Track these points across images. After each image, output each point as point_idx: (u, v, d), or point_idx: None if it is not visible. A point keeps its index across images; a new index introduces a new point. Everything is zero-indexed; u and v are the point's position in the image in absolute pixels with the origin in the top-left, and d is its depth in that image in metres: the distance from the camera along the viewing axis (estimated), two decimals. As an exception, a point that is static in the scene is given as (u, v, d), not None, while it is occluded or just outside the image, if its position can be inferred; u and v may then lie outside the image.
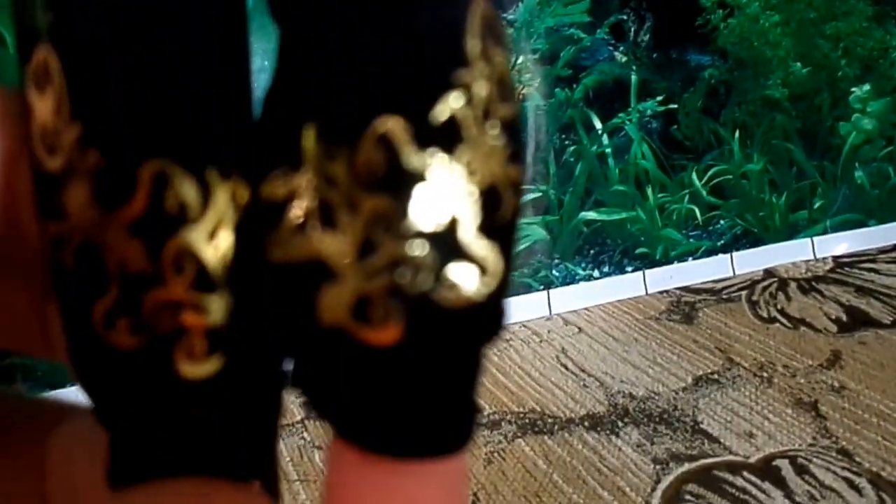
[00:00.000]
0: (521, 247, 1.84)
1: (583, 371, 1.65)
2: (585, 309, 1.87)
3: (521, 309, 1.82)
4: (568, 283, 1.86)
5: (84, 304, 0.52)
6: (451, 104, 0.54)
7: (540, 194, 1.82)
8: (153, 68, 0.50)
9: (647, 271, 1.92)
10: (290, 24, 0.53)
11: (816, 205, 2.06)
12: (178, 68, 0.50)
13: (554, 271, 1.85)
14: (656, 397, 1.54)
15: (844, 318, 1.79)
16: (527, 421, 1.49)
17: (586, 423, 1.48)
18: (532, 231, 1.83)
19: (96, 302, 0.52)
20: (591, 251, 1.88)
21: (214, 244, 0.53)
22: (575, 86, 1.81)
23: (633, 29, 1.86)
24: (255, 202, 0.55)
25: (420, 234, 0.55)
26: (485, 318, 0.55)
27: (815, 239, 2.06)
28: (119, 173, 0.49)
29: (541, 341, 1.77)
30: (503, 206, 0.58)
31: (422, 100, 0.54)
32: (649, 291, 1.92)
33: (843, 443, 1.38)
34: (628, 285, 1.90)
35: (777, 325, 1.78)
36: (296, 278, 0.56)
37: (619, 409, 1.51)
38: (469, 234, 0.58)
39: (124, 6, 0.50)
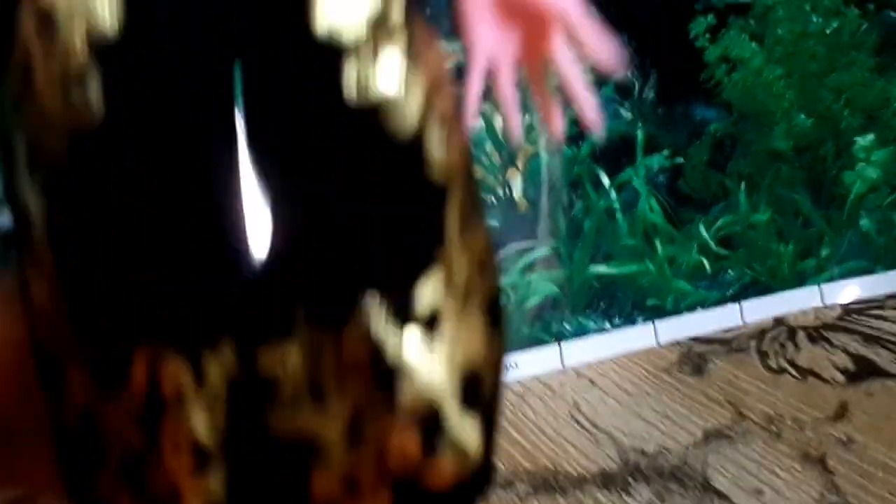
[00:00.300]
0: (533, 302, 1.88)
1: (595, 427, 1.68)
2: (598, 361, 1.91)
3: (534, 363, 1.86)
4: (580, 336, 1.90)
5: (87, 474, 0.58)
6: (430, 287, 0.61)
7: (550, 250, 1.87)
8: (144, 257, 0.56)
9: (658, 322, 1.95)
10: (280, 199, 0.59)
11: (823, 253, 2.09)
12: (167, 257, 0.57)
13: (566, 325, 1.89)
14: (667, 453, 1.57)
15: (852, 367, 1.82)
16: (540, 480, 1.53)
17: (598, 482, 1.51)
18: (543, 286, 1.88)
19: (99, 473, 0.58)
20: (602, 304, 1.92)
21: (209, 421, 0.59)
22: (582, 143, 1.85)
23: (637, 85, 1.91)
24: (249, 375, 0.61)
25: (404, 418, 0.62)
26: (468, 493, 0.61)
27: (824, 286, 2.09)
28: (114, 359, 0.56)
29: (554, 395, 1.81)
30: (484, 385, 0.65)
31: (402, 281, 0.61)
32: (660, 342, 1.96)
33: (850, 498, 1.41)
34: (639, 337, 1.94)
35: (786, 375, 1.81)
36: (289, 455, 0.62)
37: (630, 465, 1.55)
38: (452, 417, 0.65)
39: (113, 206, 0.56)
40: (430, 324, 0.59)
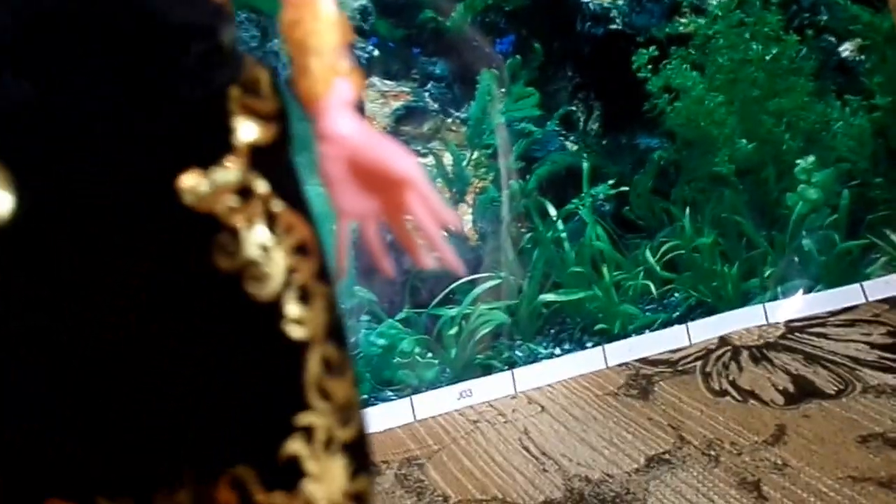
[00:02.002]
0: (485, 331, 1.95)
1: (543, 454, 1.75)
2: (549, 385, 1.97)
3: (487, 389, 1.92)
4: (531, 363, 1.97)
5: None
6: (292, 447, 0.68)
7: (500, 280, 1.93)
8: (34, 415, 0.61)
9: (607, 346, 2.02)
10: (159, 361, 0.65)
11: (767, 273, 2.16)
12: (62, 411, 0.62)
13: (517, 352, 1.96)
14: (610, 480, 1.64)
15: (791, 388, 1.89)
16: (487, 511, 1.60)
17: (543, 511, 1.58)
18: (494, 315, 1.94)
19: None
20: (552, 330, 1.99)
21: None
22: (528, 176, 1.91)
23: (582, 118, 1.96)
24: None
25: None
26: None
27: (767, 305, 2.16)
28: None
29: (505, 422, 1.87)
30: None
31: (266, 448, 0.68)
32: (609, 365, 2.02)
33: (782, 524, 1.49)
34: (589, 360, 2.01)
35: (727, 398, 1.88)
36: None
37: (575, 493, 1.61)
38: None
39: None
40: (291, 476, 0.66)
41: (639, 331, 2.06)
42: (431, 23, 1.80)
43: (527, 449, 1.78)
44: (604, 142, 1.97)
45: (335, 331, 0.71)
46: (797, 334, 2.12)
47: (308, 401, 0.68)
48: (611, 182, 1.99)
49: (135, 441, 0.66)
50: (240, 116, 0.67)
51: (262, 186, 0.67)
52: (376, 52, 1.78)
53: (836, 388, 1.86)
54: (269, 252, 0.67)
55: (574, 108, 1.94)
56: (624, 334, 2.04)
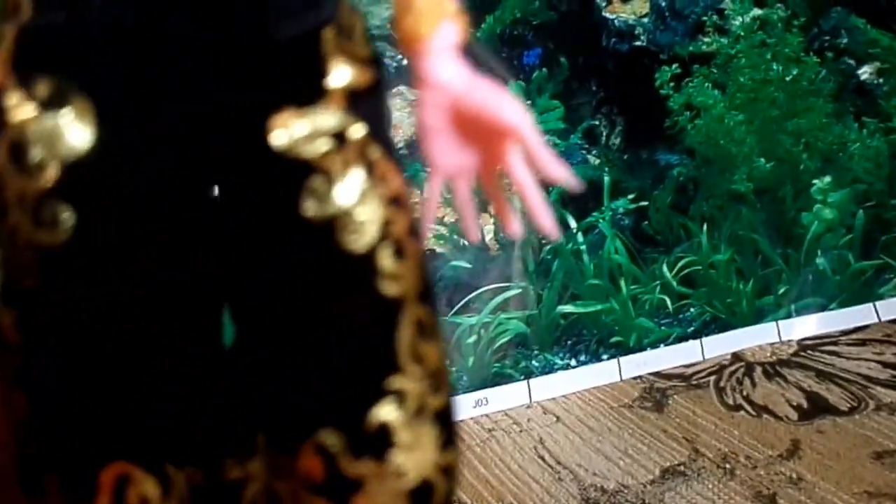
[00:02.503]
0: (503, 340, 1.97)
1: (559, 463, 1.77)
2: (564, 396, 1.99)
3: (503, 398, 1.94)
4: (547, 373, 1.99)
5: None
6: (383, 412, 0.65)
7: (520, 291, 1.95)
8: (114, 378, 0.60)
9: (622, 359, 2.04)
10: (243, 317, 0.64)
11: (781, 290, 2.18)
12: (137, 374, 0.61)
13: (534, 361, 1.98)
14: (625, 491, 1.65)
15: (805, 404, 1.91)
16: (504, 518, 1.61)
17: (559, 520, 1.60)
18: (512, 325, 1.96)
19: None
20: (569, 342, 2.01)
21: None
22: (550, 189, 1.93)
23: (604, 133, 1.99)
24: (214, 480, 0.66)
25: None
26: None
27: (781, 322, 2.18)
28: (83, 476, 0.61)
29: (520, 431, 1.89)
30: (435, 495, 0.69)
31: (356, 412, 0.64)
32: (624, 377, 2.04)
33: (797, 538, 1.50)
34: (604, 372, 2.03)
35: (742, 412, 1.90)
36: None
37: (590, 503, 1.63)
38: None
39: (81, 326, 0.59)
40: (380, 444, 0.63)
41: (654, 345, 2.08)
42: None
43: (542, 458, 1.79)
44: (625, 156, 2.00)
45: (427, 291, 0.67)
46: (809, 352, 2.14)
47: (401, 363, 0.64)
48: (631, 196, 2.02)
49: (205, 403, 0.63)
50: (335, 59, 0.64)
51: (358, 131, 0.64)
52: (405, 61, 1.81)
53: (849, 405, 1.89)
54: (365, 200, 0.63)
55: (597, 123, 1.97)
56: (639, 348, 2.06)
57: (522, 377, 1.96)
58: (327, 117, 0.63)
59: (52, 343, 0.60)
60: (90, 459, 0.61)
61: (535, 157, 0.66)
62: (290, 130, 0.61)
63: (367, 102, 0.65)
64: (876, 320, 2.23)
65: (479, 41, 1.85)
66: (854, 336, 2.19)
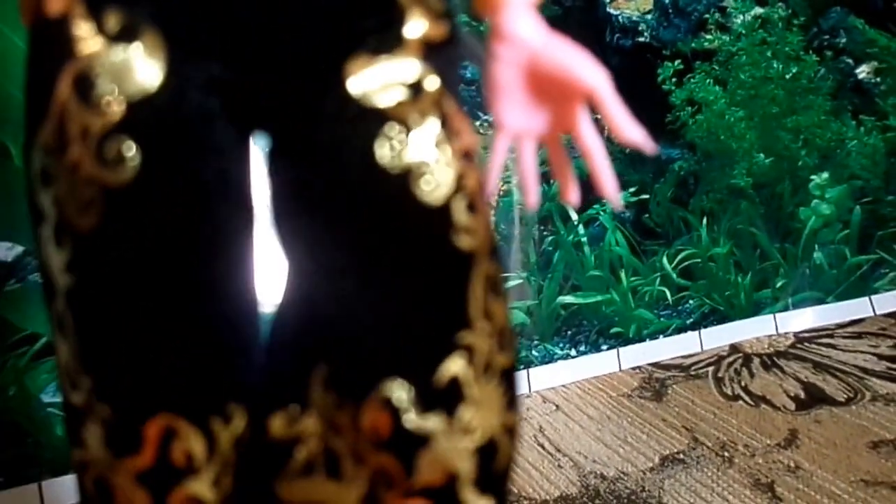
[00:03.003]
0: (504, 329, 1.99)
1: (558, 451, 1.79)
2: (563, 386, 2.01)
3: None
4: (547, 363, 2.01)
5: None
6: (453, 367, 0.62)
7: (521, 281, 1.97)
8: (162, 323, 0.58)
9: (621, 349, 2.06)
10: (305, 259, 0.62)
11: (779, 284, 2.21)
12: (183, 327, 0.59)
13: (534, 351, 2.00)
14: (625, 478, 1.68)
15: (802, 395, 1.94)
16: None
17: (560, 505, 1.62)
18: (513, 314, 1.98)
19: None
20: (569, 332, 2.03)
21: (218, 489, 0.62)
22: (552, 180, 1.95)
23: (607, 126, 2.01)
24: (262, 438, 0.63)
25: (421, 492, 0.63)
26: None
27: (778, 315, 2.21)
28: (127, 427, 0.59)
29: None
30: (500, 455, 0.67)
31: (426, 365, 0.62)
32: (623, 368, 2.07)
33: (794, 524, 1.53)
34: (603, 363, 2.05)
35: (740, 402, 1.92)
36: None
37: (590, 490, 1.65)
38: (467, 491, 0.66)
39: (135, 270, 0.57)
40: (451, 399, 0.61)
41: (653, 335, 2.10)
42: (465, 26, 1.85)
43: (542, 446, 1.81)
44: (627, 150, 2.02)
45: (496, 248, 0.65)
46: (806, 344, 2.16)
47: (472, 319, 0.62)
48: (632, 189, 2.04)
49: (254, 353, 0.60)
50: (412, 10, 0.63)
51: (433, 83, 0.62)
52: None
53: (845, 396, 1.91)
54: (441, 152, 0.61)
55: (599, 116, 1.98)
56: (639, 338, 2.09)
57: (522, 367, 1.98)
58: (404, 66, 0.61)
59: (104, 288, 0.57)
60: (136, 410, 0.58)
61: (612, 120, 0.65)
62: (366, 77, 0.60)
63: (441, 56, 0.64)
64: (871, 314, 2.27)
65: (482, 34, 1.88)
66: (850, 329, 2.22)
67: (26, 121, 0.61)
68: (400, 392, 0.60)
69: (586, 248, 2.01)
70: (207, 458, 0.60)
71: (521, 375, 1.99)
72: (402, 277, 0.62)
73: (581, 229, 2.00)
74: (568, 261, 2.00)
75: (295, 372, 0.61)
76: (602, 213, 2.01)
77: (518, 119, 0.67)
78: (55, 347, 0.61)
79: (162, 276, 0.58)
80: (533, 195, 0.69)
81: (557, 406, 1.95)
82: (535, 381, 1.99)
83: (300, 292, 0.62)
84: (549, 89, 0.66)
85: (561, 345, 2.03)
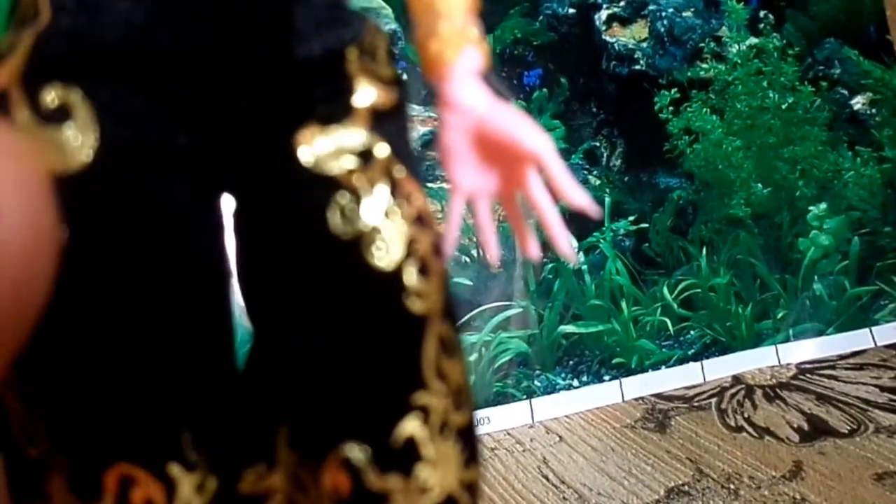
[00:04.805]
0: (504, 359, 1.96)
1: (562, 482, 1.75)
2: (566, 416, 1.98)
3: (505, 418, 1.93)
4: (549, 393, 1.98)
5: None
6: (408, 427, 0.64)
7: (521, 310, 1.95)
8: (120, 372, 0.57)
9: (624, 380, 2.04)
10: (264, 330, 0.63)
11: (779, 315, 2.20)
12: (144, 370, 0.58)
13: (536, 381, 1.97)
14: (631, 510, 1.64)
15: (806, 426, 1.91)
16: (510, 536, 1.59)
17: (566, 538, 1.58)
18: (514, 344, 1.95)
19: None
20: (571, 362, 2.01)
21: None
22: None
23: (605, 154, 2.01)
24: (232, 493, 0.63)
25: None
26: None
27: (779, 346, 2.20)
28: (86, 477, 0.58)
29: (524, 450, 1.87)
30: None
31: (381, 426, 0.64)
32: (626, 398, 2.04)
33: (804, 557, 1.49)
34: (606, 393, 2.02)
35: (744, 434, 1.90)
36: None
37: (596, 522, 1.61)
38: None
39: (84, 321, 0.57)
40: (408, 458, 0.63)
41: (655, 366, 2.08)
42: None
43: (546, 478, 1.77)
44: (625, 178, 2.02)
45: (450, 310, 0.67)
46: (808, 375, 2.14)
47: (425, 380, 0.64)
48: (631, 218, 2.04)
49: (220, 410, 0.61)
50: (360, 79, 0.65)
51: (383, 150, 0.65)
52: (405, 77, 1.83)
53: (849, 428, 1.89)
54: (391, 218, 0.63)
55: (597, 144, 1.99)
56: (641, 369, 2.06)
57: (525, 397, 1.95)
58: (353, 135, 0.63)
59: (47, 346, 0.57)
60: (92, 460, 0.58)
61: (555, 183, 0.66)
62: (316, 146, 0.62)
63: (390, 122, 0.66)
64: (872, 345, 2.25)
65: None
66: (851, 360, 2.20)
67: None
68: (358, 453, 0.62)
69: (587, 277, 2.00)
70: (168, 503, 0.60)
71: (524, 406, 1.96)
72: (356, 341, 0.63)
73: (581, 257, 1.99)
74: (569, 289, 1.98)
75: (262, 430, 0.63)
76: (602, 241, 2.00)
77: (470, 180, 0.70)
78: (3, 405, 0.60)
79: (113, 333, 0.57)
80: (494, 250, 0.71)
81: (560, 437, 1.91)
82: (538, 411, 1.96)
83: (264, 351, 0.64)
84: (496, 152, 0.69)
85: (563, 375, 2.00)
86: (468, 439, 0.67)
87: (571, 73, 1.95)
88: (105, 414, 0.58)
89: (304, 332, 0.63)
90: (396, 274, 0.63)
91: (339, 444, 0.61)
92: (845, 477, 1.71)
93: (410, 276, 0.63)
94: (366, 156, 0.64)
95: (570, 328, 2.00)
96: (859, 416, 1.94)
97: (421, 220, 0.66)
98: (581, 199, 0.66)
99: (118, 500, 0.57)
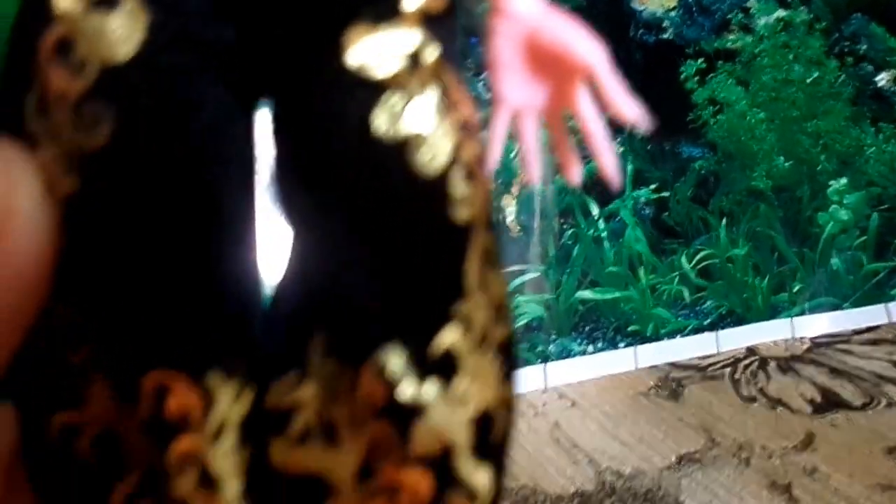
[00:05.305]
0: (520, 323, 1.97)
1: (575, 446, 1.77)
2: (579, 382, 2.00)
3: (519, 382, 1.94)
4: (563, 358, 1.99)
5: (100, 490, 0.59)
6: (449, 337, 0.61)
7: (539, 274, 1.96)
8: (156, 283, 0.57)
9: (638, 347, 2.05)
10: (303, 229, 0.61)
11: (796, 288, 2.20)
12: (181, 277, 0.58)
13: (550, 346, 1.98)
14: (642, 476, 1.66)
15: (819, 399, 1.93)
16: (520, 498, 1.61)
17: (576, 501, 1.60)
18: (530, 308, 1.96)
19: (115, 486, 0.59)
20: (586, 328, 2.02)
21: (217, 446, 0.61)
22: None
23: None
24: (258, 405, 0.62)
25: (417, 461, 0.63)
26: None
27: (795, 319, 2.20)
28: (126, 383, 0.58)
29: (535, 414, 1.89)
30: (496, 427, 0.66)
31: (422, 333, 0.62)
32: (640, 366, 2.05)
33: (814, 525, 1.51)
34: (620, 360, 2.03)
35: (757, 404, 1.91)
36: (298, 491, 0.63)
37: (607, 486, 1.63)
38: (463, 460, 0.66)
39: (122, 233, 0.57)
40: (446, 369, 0.61)
41: (670, 335, 2.09)
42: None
43: (558, 441, 1.79)
44: (648, 147, 2.02)
45: (493, 221, 0.65)
46: (822, 349, 2.15)
47: (468, 289, 0.61)
48: (653, 186, 2.04)
49: (248, 317, 0.59)
50: None
51: (432, 54, 0.62)
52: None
53: (862, 401, 1.90)
54: (439, 123, 0.61)
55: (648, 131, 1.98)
56: (656, 337, 2.07)
57: (539, 361, 1.97)
58: (403, 36, 0.61)
59: (88, 248, 0.57)
60: (131, 366, 0.58)
61: (608, 96, 0.64)
62: (364, 47, 0.60)
63: (440, 26, 0.63)
64: (887, 321, 2.26)
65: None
66: (866, 336, 2.21)
67: (9, 90, 0.60)
68: (395, 359, 0.60)
69: (606, 244, 2.00)
70: (204, 413, 0.59)
71: (537, 369, 1.97)
72: (399, 247, 0.61)
73: (601, 224, 1.99)
74: (587, 255, 1.99)
75: (294, 339, 0.60)
76: (623, 208, 2.01)
77: (518, 93, 0.67)
78: (48, 311, 0.60)
79: (149, 237, 0.57)
80: (534, 170, 0.68)
81: (574, 402, 1.93)
82: (552, 376, 1.97)
83: (300, 261, 0.62)
84: (547, 65, 0.66)
85: (578, 341, 2.01)
86: (507, 355, 0.65)
87: (599, 40, 1.94)
88: (141, 320, 0.57)
89: (344, 238, 0.61)
90: (442, 179, 0.60)
91: (377, 348, 0.59)
92: (857, 449, 1.72)
93: (457, 183, 0.61)
94: (415, 58, 0.61)
95: (587, 294, 2.01)
96: (873, 390, 1.95)
97: (466, 128, 0.63)
98: (635, 112, 0.64)
99: (153, 407, 0.56)
